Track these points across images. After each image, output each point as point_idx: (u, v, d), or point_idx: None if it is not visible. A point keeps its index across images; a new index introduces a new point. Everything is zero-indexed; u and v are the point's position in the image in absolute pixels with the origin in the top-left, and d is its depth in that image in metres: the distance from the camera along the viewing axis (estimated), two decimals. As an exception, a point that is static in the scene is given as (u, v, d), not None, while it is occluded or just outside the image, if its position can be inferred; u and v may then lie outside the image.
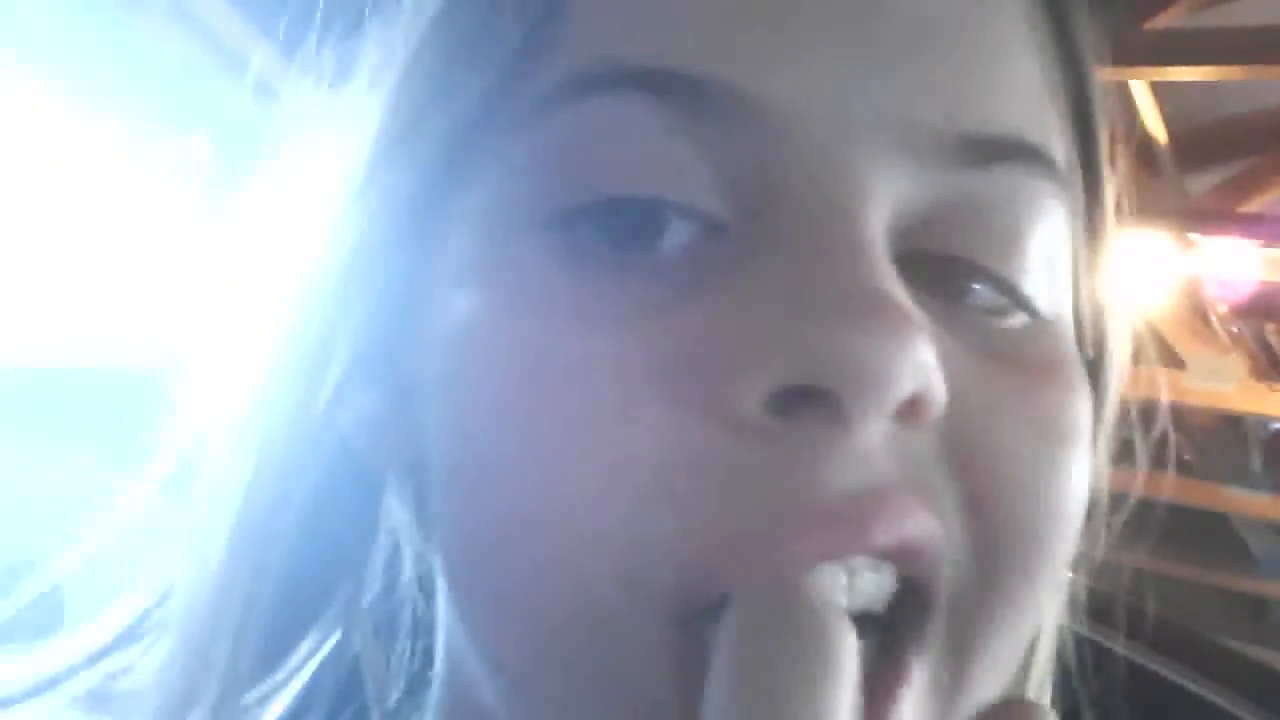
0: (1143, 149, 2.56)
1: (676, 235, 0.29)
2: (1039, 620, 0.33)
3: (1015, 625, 0.31)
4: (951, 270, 0.31)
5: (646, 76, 0.29)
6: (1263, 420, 3.82)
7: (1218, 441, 3.94)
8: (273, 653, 0.37)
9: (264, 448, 0.34)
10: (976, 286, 0.31)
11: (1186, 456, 3.97)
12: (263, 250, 0.37)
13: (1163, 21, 2.29)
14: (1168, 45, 2.19)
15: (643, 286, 0.29)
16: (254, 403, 0.34)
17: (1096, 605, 0.40)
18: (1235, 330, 3.00)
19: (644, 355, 0.28)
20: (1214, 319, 2.92)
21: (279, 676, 0.38)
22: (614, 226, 0.29)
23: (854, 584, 0.28)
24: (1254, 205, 2.67)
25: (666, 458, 0.27)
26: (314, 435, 0.33)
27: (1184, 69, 2.15)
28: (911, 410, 0.28)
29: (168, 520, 0.36)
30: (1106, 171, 0.37)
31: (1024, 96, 0.32)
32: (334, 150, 0.35)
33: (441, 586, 0.35)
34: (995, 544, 0.30)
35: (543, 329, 0.29)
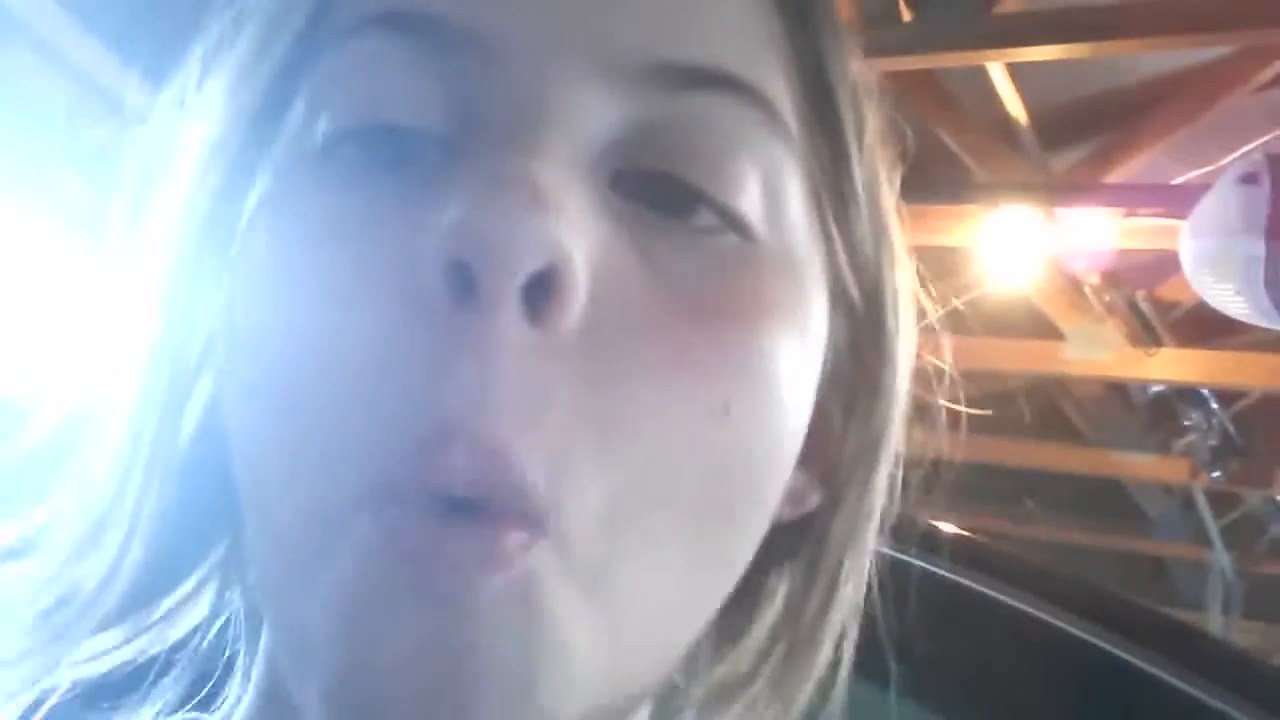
0: (1005, 130, 2.63)
1: (422, 154, 0.33)
2: (708, 567, 0.34)
3: (659, 580, 0.32)
4: (668, 187, 0.34)
5: (389, 17, 0.34)
6: (1143, 385, 3.94)
7: (1104, 409, 4.06)
8: (144, 595, 0.38)
9: (143, 397, 0.37)
10: (692, 204, 0.34)
11: (1077, 426, 4.09)
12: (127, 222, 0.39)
13: (1011, 5, 2.36)
14: (1016, 28, 2.25)
15: (388, 202, 0.33)
16: (130, 366, 0.37)
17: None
18: (1108, 299, 3.10)
19: (362, 262, 0.32)
20: (1087, 290, 3.00)
21: (150, 620, 0.40)
22: (372, 149, 0.34)
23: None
24: (1114, 178, 2.75)
25: (368, 354, 0.31)
26: (186, 392, 0.37)
27: (1032, 49, 2.21)
28: (545, 291, 0.30)
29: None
30: (853, 141, 0.38)
31: (730, 34, 0.35)
32: (185, 140, 0.38)
33: None
34: (629, 492, 0.31)
35: (300, 243, 0.33)
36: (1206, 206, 2.16)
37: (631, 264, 0.33)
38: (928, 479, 0.43)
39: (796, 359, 0.35)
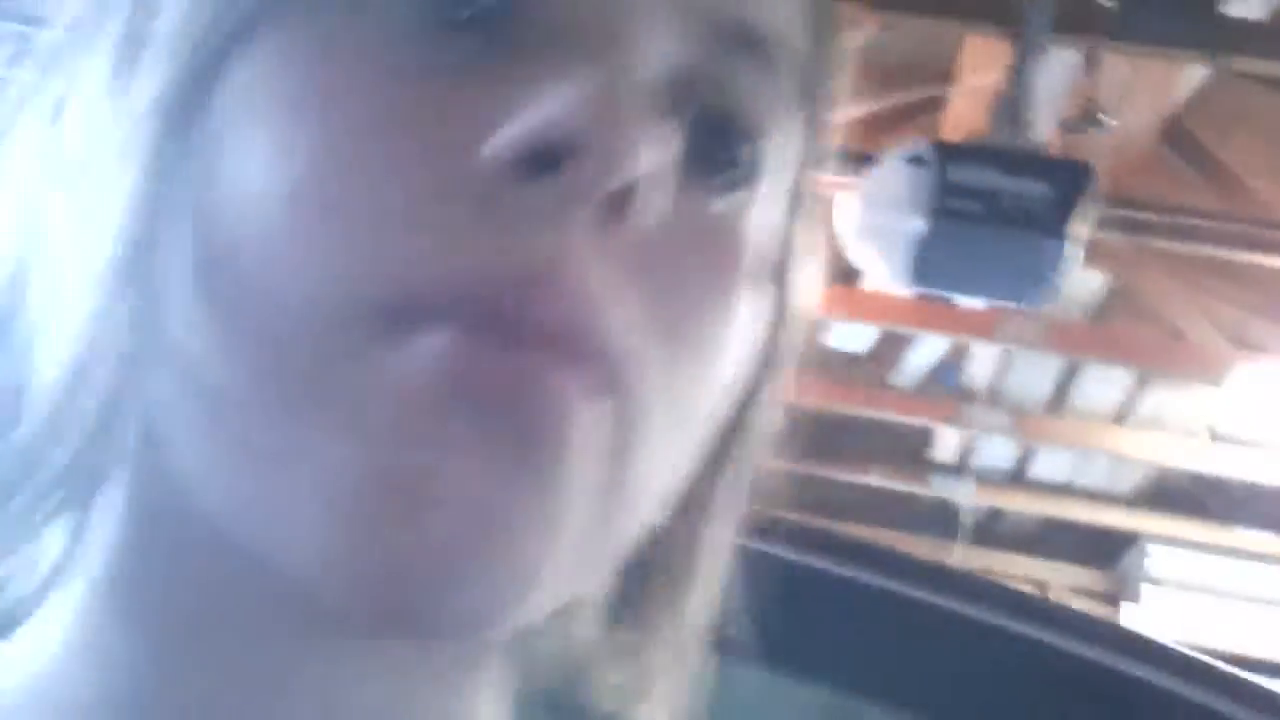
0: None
1: (477, 15, 0.33)
2: (692, 438, 0.36)
3: (659, 469, 0.34)
4: (710, 133, 0.35)
5: None
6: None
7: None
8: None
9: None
10: (728, 151, 0.35)
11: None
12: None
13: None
14: None
15: (439, 56, 0.32)
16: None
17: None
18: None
19: (416, 107, 0.31)
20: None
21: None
22: (426, 7, 0.32)
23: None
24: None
25: (405, 189, 0.31)
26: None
27: None
28: (624, 204, 0.30)
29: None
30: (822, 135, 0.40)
31: (790, 13, 0.37)
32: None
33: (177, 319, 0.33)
34: (664, 349, 0.33)
35: (344, 83, 0.32)
36: None
37: (677, 193, 0.33)
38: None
39: (759, 307, 0.37)
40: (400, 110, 0.31)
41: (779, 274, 0.39)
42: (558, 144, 0.30)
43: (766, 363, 0.39)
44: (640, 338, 0.32)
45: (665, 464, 0.35)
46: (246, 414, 0.31)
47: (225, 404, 0.32)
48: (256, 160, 0.32)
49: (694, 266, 0.34)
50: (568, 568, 0.31)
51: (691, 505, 0.39)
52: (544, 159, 0.30)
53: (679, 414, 0.34)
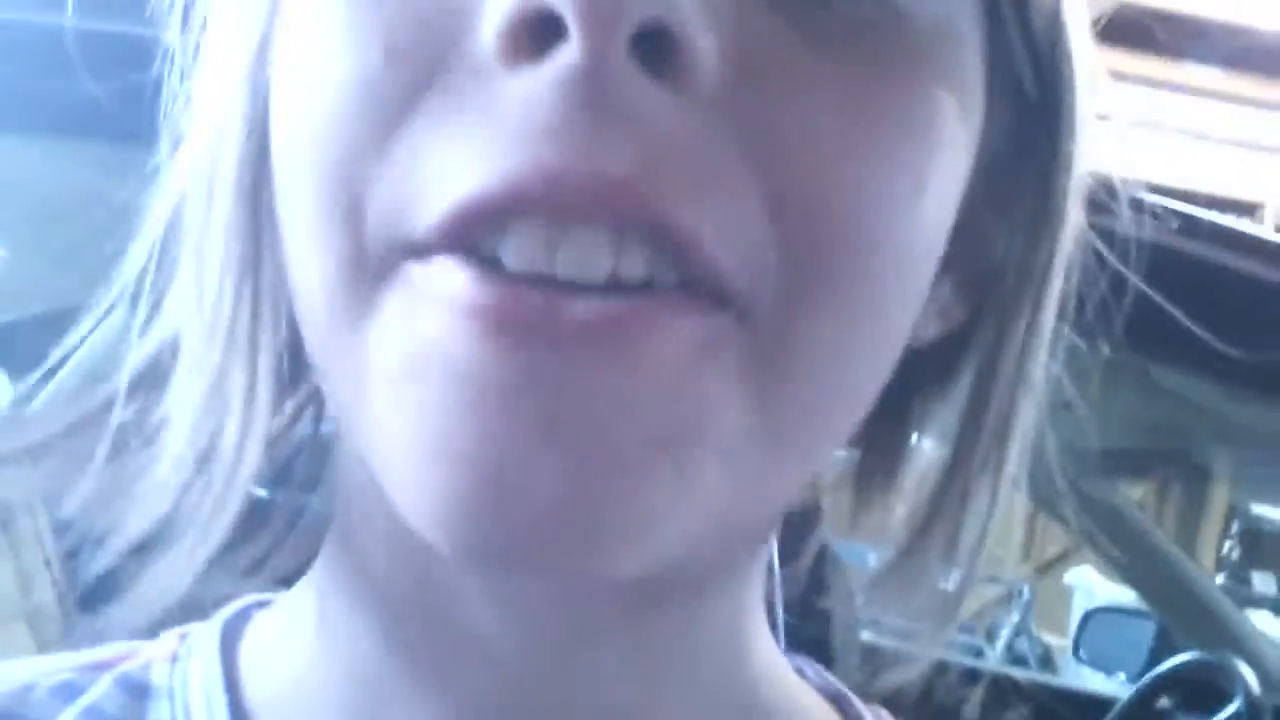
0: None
1: None
2: (873, 356, 0.30)
3: (835, 351, 0.29)
4: None
5: None
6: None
7: None
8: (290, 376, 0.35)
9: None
10: None
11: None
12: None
13: None
14: None
15: None
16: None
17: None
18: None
19: (381, 21, 0.27)
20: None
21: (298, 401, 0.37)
22: None
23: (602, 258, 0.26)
24: None
25: (402, 103, 0.27)
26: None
27: None
28: (662, 48, 0.25)
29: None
30: None
31: None
32: None
33: None
34: (803, 250, 0.27)
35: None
36: None
37: (770, 18, 0.27)
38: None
39: (952, 130, 0.30)
40: None
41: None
42: (543, 10, 0.25)
43: (1016, 193, 0.33)
44: (769, 235, 0.26)
45: (844, 380, 0.30)
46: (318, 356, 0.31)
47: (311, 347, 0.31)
48: (296, 70, 0.30)
49: (835, 93, 0.27)
50: (701, 506, 0.27)
51: (964, 434, 0.35)
52: (537, 33, 0.25)
53: (850, 317, 0.28)
